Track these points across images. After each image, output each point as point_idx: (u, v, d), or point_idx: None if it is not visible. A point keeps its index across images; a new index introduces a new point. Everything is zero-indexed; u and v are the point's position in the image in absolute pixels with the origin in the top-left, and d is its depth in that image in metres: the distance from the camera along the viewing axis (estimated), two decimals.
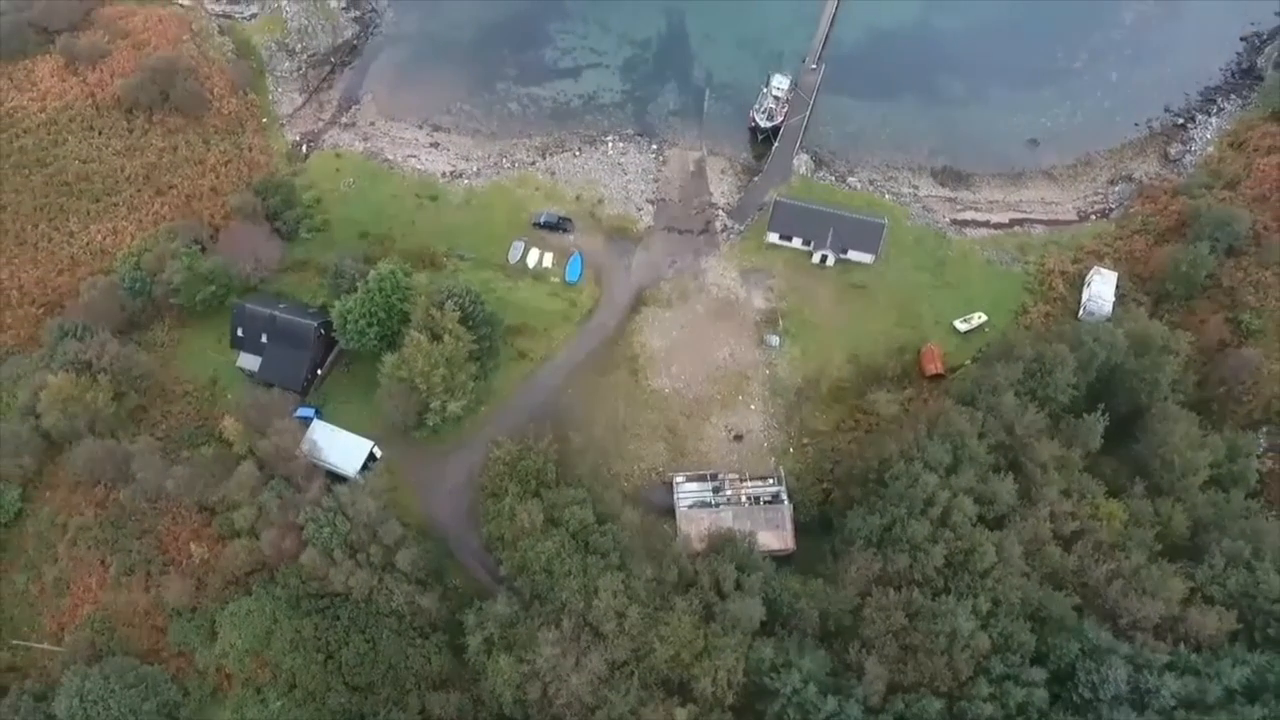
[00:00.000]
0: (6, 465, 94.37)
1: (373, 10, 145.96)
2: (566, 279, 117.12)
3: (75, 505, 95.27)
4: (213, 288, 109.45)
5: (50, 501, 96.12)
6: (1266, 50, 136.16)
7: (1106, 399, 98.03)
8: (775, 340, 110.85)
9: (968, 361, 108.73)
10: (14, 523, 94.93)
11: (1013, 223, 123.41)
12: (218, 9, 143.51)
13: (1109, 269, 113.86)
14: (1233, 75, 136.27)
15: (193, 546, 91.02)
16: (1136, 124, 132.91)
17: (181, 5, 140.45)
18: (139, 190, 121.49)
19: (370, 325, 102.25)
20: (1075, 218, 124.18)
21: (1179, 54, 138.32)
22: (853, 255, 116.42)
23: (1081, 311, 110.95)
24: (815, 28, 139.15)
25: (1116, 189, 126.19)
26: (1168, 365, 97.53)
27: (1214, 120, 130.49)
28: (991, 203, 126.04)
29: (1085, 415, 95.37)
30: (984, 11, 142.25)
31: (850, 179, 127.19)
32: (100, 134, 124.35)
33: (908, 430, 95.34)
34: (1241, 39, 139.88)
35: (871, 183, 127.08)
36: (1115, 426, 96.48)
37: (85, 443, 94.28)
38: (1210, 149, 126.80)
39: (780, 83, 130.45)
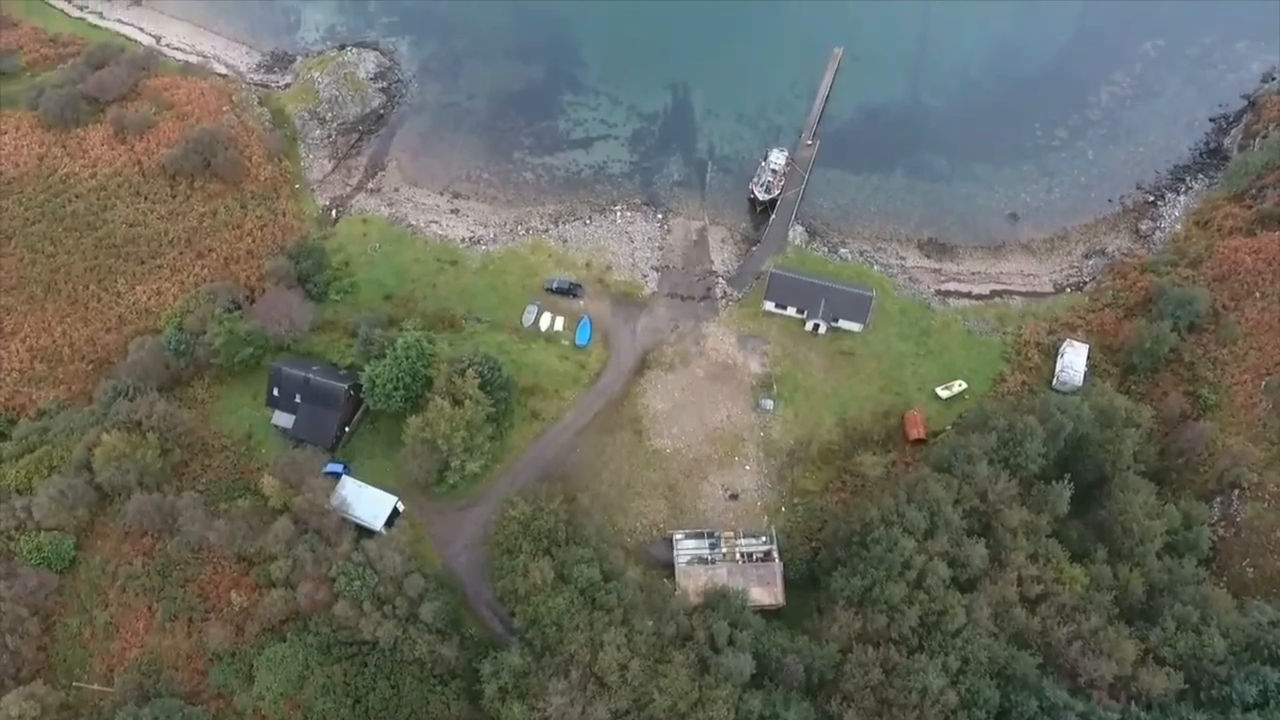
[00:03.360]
0: (64, 517, 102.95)
1: (398, 81, 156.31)
2: (576, 342, 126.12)
3: (124, 554, 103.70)
4: (250, 349, 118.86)
5: (101, 550, 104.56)
6: (1232, 132, 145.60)
7: (1074, 467, 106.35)
8: (769, 404, 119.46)
9: (948, 427, 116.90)
10: (69, 570, 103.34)
11: (993, 294, 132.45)
12: (255, 79, 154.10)
13: (1081, 341, 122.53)
14: (1201, 155, 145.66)
15: (233, 595, 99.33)
16: (1110, 200, 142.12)
17: (222, 76, 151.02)
18: (181, 253, 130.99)
19: (397, 389, 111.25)
20: (1051, 290, 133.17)
21: (1151, 133, 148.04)
22: (843, 324, 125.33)
23: (1055, 381, 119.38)
24: (811, 104, 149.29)
25: (1090, 263, 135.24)
26: (1130, 437, 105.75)
27: (1182, 199, 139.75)
28: (973, 274, 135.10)
29: (1054, 482, 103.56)
30: (968, 90, 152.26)
31: (842, 250, 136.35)
32: (146, 199, 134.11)
33: (888, 495, 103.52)
34: (1210, 120, 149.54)
35: (862, 254, 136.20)
36: (1081, 493, 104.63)
37: (136, 497, 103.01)
38: (1178, 227, 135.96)
39: (777, 157, 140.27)
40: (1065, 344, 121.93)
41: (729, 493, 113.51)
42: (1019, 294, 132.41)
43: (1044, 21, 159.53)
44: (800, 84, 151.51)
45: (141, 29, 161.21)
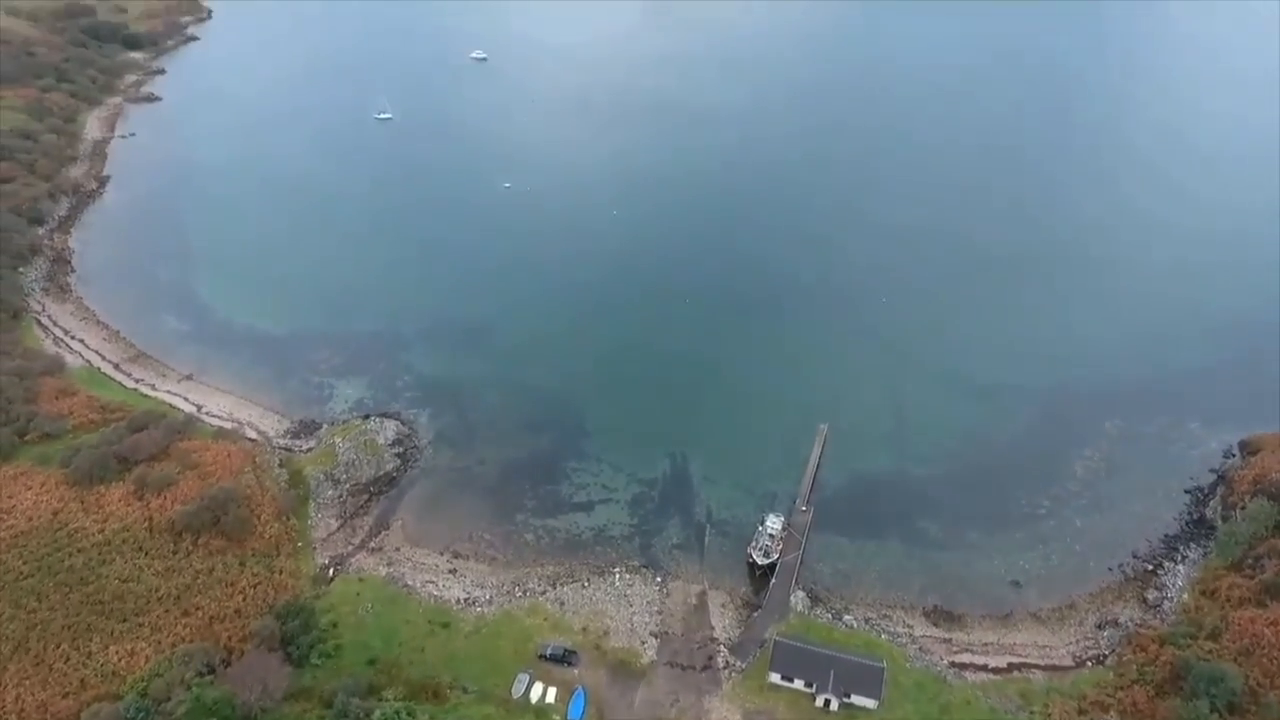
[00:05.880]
0: None
1: (414, 447, 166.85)
2: (569, 717, 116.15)
3: None
4: (213, 719, 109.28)
5: None
6: (1211, 503, 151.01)
7: None
8: None
9: None
10: None
11: (1011, 667, 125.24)
12: (282, 443, 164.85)
13: None
14: (1187, 524, 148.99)
15: None
16: (1110, 568, 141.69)
17: (251, 440, 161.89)
18: (167, 610, 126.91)
19: None
20: (1071, 663, 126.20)
21: (1132, 503, 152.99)
22: (856, 700, 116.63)
23: None
24: (803, 473, 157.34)
25: (1105, 634, 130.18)
26: None
27: (1181, 568, 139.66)
28: (986, 645, 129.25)
29: None
30: (949, 461, 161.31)
31: (846, 617, 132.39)
32: (146, 554, 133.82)
33: None
34: (1185, 491, 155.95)
35: (867, 621, 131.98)
36: None
37: None
38: (1185, 596, 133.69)
39: (774, 523, 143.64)
40: None
41: None
42: (1038, 668, 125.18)
43: (1005, 403, 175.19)
44: (792, 454, 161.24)
45: (187, 399, 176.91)
